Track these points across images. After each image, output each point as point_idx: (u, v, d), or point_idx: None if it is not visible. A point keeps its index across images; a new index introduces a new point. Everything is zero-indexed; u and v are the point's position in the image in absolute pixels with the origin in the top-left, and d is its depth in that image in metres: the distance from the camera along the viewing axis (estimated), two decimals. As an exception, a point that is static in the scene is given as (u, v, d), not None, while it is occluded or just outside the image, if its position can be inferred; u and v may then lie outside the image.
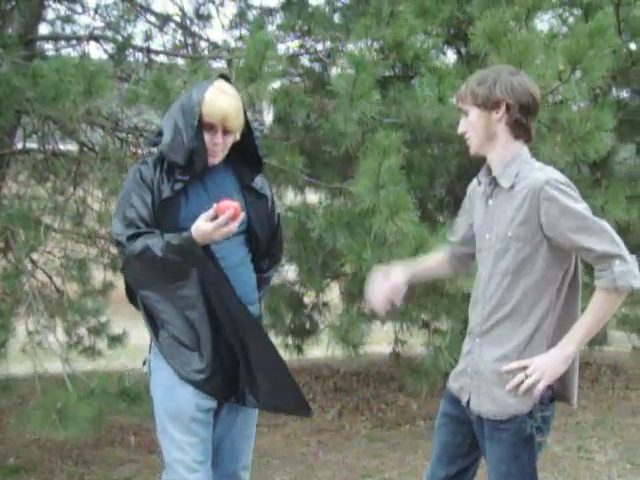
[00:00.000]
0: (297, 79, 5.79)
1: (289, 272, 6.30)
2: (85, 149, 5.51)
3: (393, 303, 2.52)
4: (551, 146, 3.99)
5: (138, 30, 5.98)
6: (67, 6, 6.10)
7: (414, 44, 4.47)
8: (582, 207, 2.14)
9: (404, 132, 4.13)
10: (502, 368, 2.22)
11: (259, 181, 2.74)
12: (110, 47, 5.33)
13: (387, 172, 3.73)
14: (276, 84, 5.11)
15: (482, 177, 2.39)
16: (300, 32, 5.44)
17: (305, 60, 5.87)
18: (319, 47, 5.37)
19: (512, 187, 2.24)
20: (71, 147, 6.09)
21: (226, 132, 2.53)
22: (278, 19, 6.03)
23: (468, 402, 2.34)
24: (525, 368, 2.18)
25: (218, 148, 2.54)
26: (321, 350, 5.94)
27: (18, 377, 5.65)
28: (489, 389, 2.26)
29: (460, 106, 2.34)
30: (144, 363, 2.69)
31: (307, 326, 6.51)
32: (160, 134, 2.58)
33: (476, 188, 2.45)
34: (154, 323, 2.56)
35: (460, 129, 2.35)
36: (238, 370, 2.54)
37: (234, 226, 2.40)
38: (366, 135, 4.47)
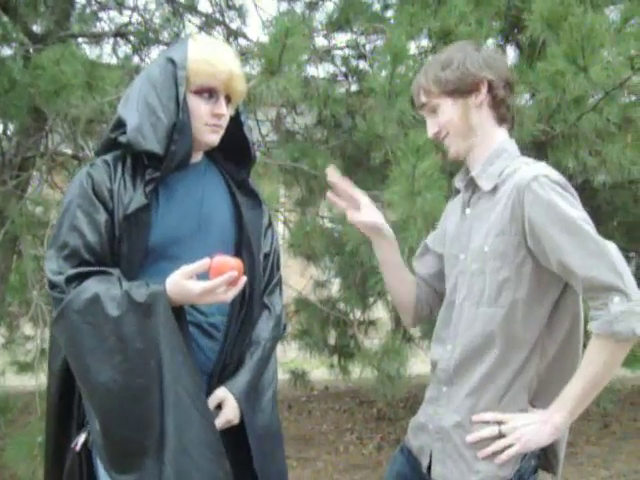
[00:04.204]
0: (340, 78, 5.34)
1: (333, 287, 5.90)
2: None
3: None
4: (620, 147, 3.40)
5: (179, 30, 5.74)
6: (101, 4, 5.79)
7: (464, 33, 3.95)
8: (578, 215, 1.60)
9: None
10: (472, 417, 1.71)
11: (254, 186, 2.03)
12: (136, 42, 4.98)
13: (423, 176, 3.21)
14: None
15: (458, 181, 1.89)
16: (342, 25, 4.95)
17: (351, 59, 5.45)
18: (362, 41, 4.88)
19: (495, 189, 1.73)
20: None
21: (227, 101, 1.84)
22: (322, 13, 5.57)
23: (429, 468, 1.80)
24: (501, 423, 1.68)
25: (223, 121, 1.84)
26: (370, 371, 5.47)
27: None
28: (459, 452, 1.72)
29: (424, 102, 1.82)
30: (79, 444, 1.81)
31: (351, 346, 6.06)
32: (119, 125, 1.82)
33: (453, 200, 1.96)
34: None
35: (430, 131, 1.84)
36: None
37: (232, 295, 1.69)
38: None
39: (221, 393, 1.82)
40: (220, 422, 1.79)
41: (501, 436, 1.66)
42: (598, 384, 1.61)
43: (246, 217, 1.92)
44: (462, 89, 1.75)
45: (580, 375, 1.61)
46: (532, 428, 1.64)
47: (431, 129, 1.83)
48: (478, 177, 1.77)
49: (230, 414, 1.81)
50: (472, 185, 1.80)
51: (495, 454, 1.66)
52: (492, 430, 1.67)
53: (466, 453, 1.70)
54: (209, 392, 1.82)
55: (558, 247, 1.58)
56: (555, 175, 1.66)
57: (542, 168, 1.68)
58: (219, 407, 1.81)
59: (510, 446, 1.65)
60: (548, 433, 1.64)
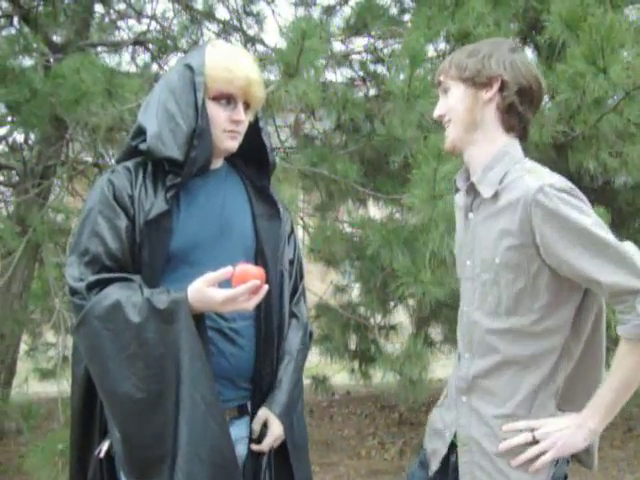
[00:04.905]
0: (358, 82, 5.34)
1: (353, 292, 5.89)
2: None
3: None
4: (643, 148, 3.36)
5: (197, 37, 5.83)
6: (120, 13, 5.84)
7: (482, 35, 3.93)
8: (591, 222, 1.56)
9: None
10: (503, 427, 1.66)
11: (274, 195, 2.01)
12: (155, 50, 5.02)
13: (444, 180, 3.20)
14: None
15: (459, 182, 1.85)
16: (360, 29, 4.95)
17: (369, 63, 5.45)
18: (380, 45, 4.88)
19: (496, 196, 1.69)
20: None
21: (246, 107, 1.84)
22: (340, 19, 5.58)
23: (438, 472, 1.79)
24: (534, 430, 1.64)
25: (241, 127, 1.83)
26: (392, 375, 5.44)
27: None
28: (491, 462, 1.67)
29: (440, 81, 1.79)
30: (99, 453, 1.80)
31: (372, 350, 6.04)
32: (139, 133, 1.82)
33: (457, 197, 1.92)
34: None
35: (437, 112, 1.81)
36: None
37: (254, 303, 1.68)
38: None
39: (264, 414, 1.85)
40: (269, 442, 1.84)
41: (535, 442, 1.63)
42: (630, 387, 1.58)
43: (261, 226, 1.91)
44: (477, 80, 1.71)
45: (611, 379, 1.59)
46: (566, 433, 1.61)
47: (438, 110, 1.81)
48: (479, 183, 1.73)
49: (277, 432, 1.85)
50: (473, 190, 1.77)
51: (530, 461, 1.63)
52: (526, 437, 1.63)
53: (499, 462, 1.66)
54: (255, 405, 1.86)
55: (576, 258, 1.55)
56: (560, 182, 1.61)
57: (546, 176, 1.63)
58: (264, 425, 1.85)
59: (544, 452, 1.62)
60: (583, 437, 1.62)
